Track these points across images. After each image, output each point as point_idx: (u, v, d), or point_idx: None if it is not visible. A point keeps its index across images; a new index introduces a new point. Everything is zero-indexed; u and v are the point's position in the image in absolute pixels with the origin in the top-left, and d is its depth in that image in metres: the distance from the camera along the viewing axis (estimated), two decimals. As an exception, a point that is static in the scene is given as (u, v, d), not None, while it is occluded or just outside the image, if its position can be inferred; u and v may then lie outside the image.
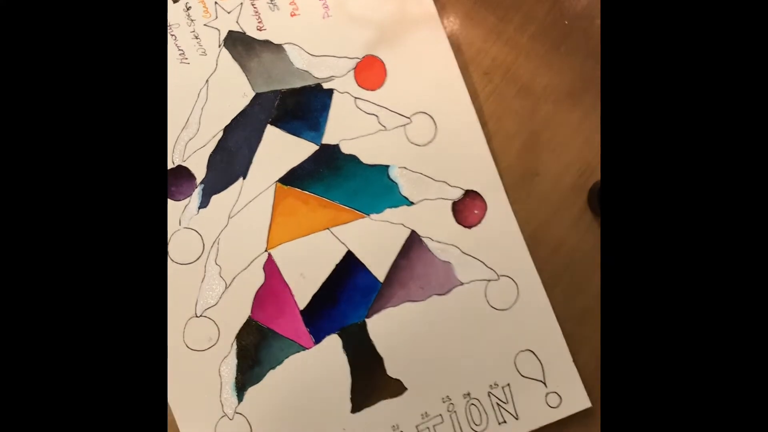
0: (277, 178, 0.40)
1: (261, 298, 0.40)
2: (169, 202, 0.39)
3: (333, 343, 0.40)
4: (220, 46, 0.40)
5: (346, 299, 0.40)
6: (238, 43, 0.40)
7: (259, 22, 0.40)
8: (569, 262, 0.41)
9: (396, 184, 0.40)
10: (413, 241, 0.40)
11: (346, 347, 0.40)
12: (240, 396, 0.40)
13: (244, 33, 0.40)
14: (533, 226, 0.41)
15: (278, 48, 0.40)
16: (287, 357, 0.40)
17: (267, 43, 0.40)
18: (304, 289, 0.40)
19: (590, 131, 0.41)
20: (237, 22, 0.40)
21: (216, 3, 0.40)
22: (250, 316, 0.40)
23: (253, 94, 0.40)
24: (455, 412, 0.40)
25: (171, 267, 0.39)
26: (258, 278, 0.40)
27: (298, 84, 0.40)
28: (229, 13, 0.40)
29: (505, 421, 0.40)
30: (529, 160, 0.41)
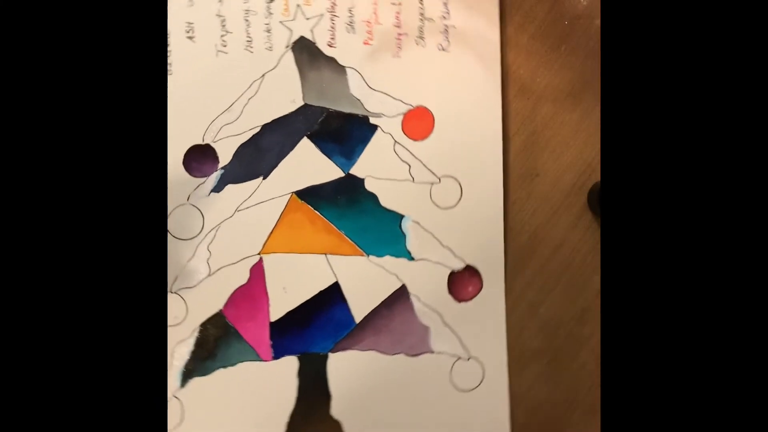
0: (294, 190, 0.40)
1: (238, 296, 0.40)
2: (185, 176, 0.39)
3: (290, 364, 0.40)
4: (287, 47, 0.40)
5: (317, 327, 0.40)
6: (305, 51, 0.40)
7: (331, 38, 0.40)
8: (569, 262, 0.41)
9: (405, 235, 0.40)
10: (401, 295, 0.40)
11: (301, 373, 0.40)
12: (183, 382, 0.39)
13: (314, 44, 0.40)
14: (533, 226, 0.41)
15: (341, 69, 0.40)
16: (242, 361, 0.40)
17: (332, 61, 0.40)
18: (281, 302, 0.40)
19: (590, 131, 0.41)
20: (311, 30, 0.40)
21: (299, 6, 0.40)
22: (221, 310, 0.40)
23: (302, 103, 0.40)
24: (382, 472, 0.40)
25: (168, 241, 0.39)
26: (242, 277, 0.40)
27: (347, 109, 0.40)
28: (307, 19, 0.40)
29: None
30: (529, 160, 0.41)
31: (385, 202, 0.40)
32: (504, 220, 0.41)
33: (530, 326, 0.41)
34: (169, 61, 0.40)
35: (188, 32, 0.40)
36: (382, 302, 0.40)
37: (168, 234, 0.39)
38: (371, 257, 0.40)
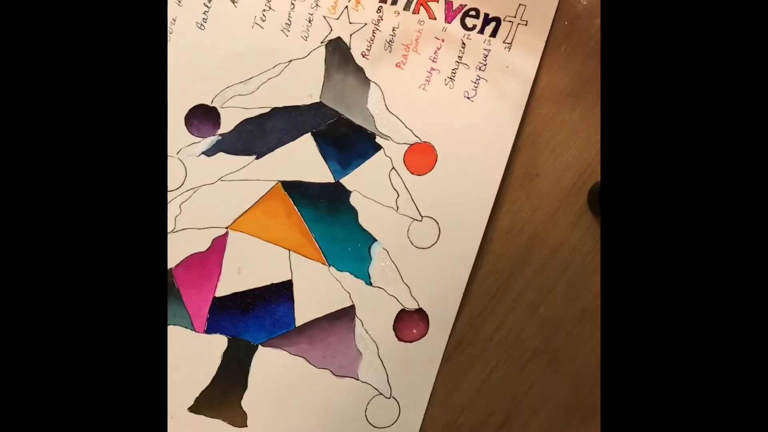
0: (282, 179, 0.40)
1: (191, 262, 0.40)
2: (183, 130, 0.39)
3: (218, 342, 0.40)
4: (322, 42, 0.40)
5: (257, 316, 0.40)
6: (337, 52, 0.40)
7: (367, 50, 0.40)
8: (569, 262, 0.41)
9: (371, 259, 0.40)
10: (347, 314, 0.40)
11: (226, 355, 0.40)
12: (111, 325, 0.39)
13: (349, 48, 0.40)
14: (533, 226, 0.41)
15: (365, 81, 0.40)
16: (173, 324, 0.39)
17: (359, 71, 0.40)
18: (231, 281, 0.40)
19: (590, 131, 0.41)
20: (350, 35, 0.40)
21: (347, 7, 0.40)
22: (171, 269, 0.39)
23: (317, 100, 0.40)
24: (269, 476, 0.39)
25: (142, 181, 0.39)
26: (203, 245, 0.40)
27: (358, 120, 0.40)
28: (350, 23, 0.40)
29: None
30: (529, 160, 0.41)
31: (363, 220, 0.40)
32: (503, 221, 0.41)
33: (530, 326, 0.41)
34: (204, 17, 0.40)
35: (234, -5, 0.40)
36: (327, 315, 0.40)
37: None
38: (332, 268, 0.40)
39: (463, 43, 0.40)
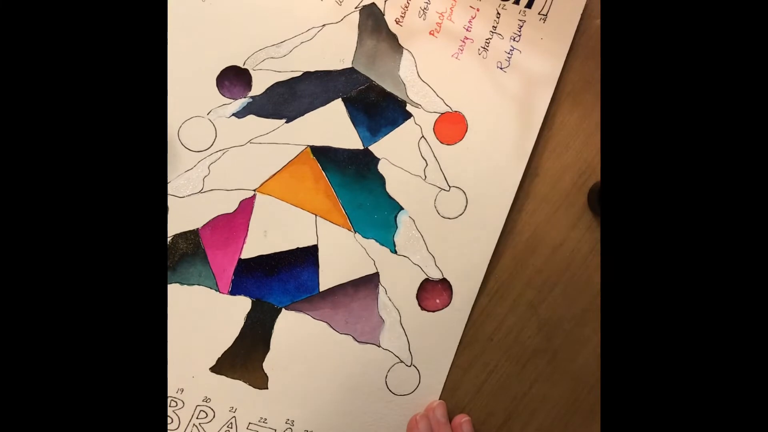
0: (311, 144, 0.40)
1: (218, 222, 0.40)
2: (215, 91, 0.39)
3: (242, 304, 0.40)
4: (356, 8, 0.40)
5: (281, 279, 0.40)
6: (371, 18, 0.40)
7: (401, 16, 0.40)
8: (569, 262, 0.41)
9: (396, 227, 0.40)
10: (371, 281, 0.40)
11: (249, 317, 0.40)
12: (137, 282, 0.39)
13: (383, 15, 0.40)
14: (533, 226, 0.41)
15: (398, 48, 0.40)
16: (198, 284, 0.40)
17: (393, 37, 0.40)
18: (257, 244, 0.40)
19: (590, 131, 0.41)
20: (385, 2, 0.40)
21: (382, -27, 0.40)
22: (198, 229, 0.40)
23: (349, 66, 0.40)
24: (288, 438, 0.40)
25: (171, 142, 0.39)
26: (230, 206, 0.40)
27: (389, 88, 0.40)
28: (385, -10, 0.40)
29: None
30: (529, 160, 0.41)
31: (390, 188, 0.40)
32: (503, 224, 0.41)
33: (530, 326, 0.41)
34: (241, -23, 0.39)
35: (270, -43, 0.40)
36: (351, 281, 0.40)
37: (179, 142, 0.39)
38: (357, 235, 0.40)
39: (498, 14, 0.40)
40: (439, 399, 0.41)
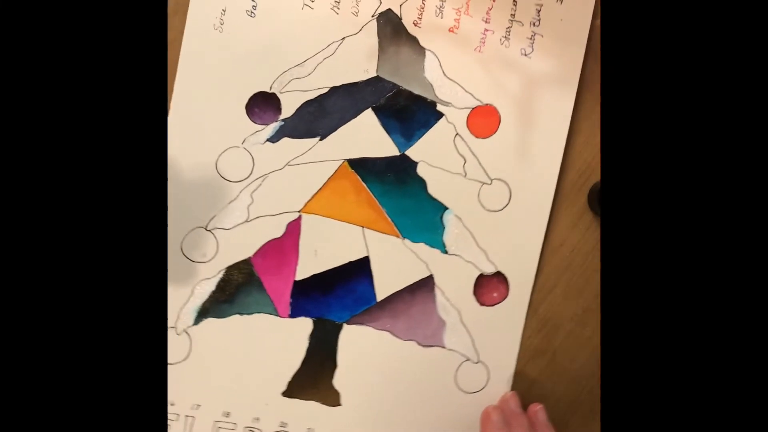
0: (347, 157, 0.40)
1: (269, 248, 0.40)
2: (246, 119, 0.39)
3: (304, 325, 0.40)
4: (373, 16, 0.40)
5: (338, 295, 0.40)
6: (389, 24, 0.40)
7: (418, 18, 0.40)
8: (569, 262, 0.41)
9: (444, 227, 0.40)
10: (426, 284, 0.41)
11: (313, 336, 0.40)
12: (197, 320, 0.40)
13: (401, 19, 0.40)
14: None
15: (420, 50, 0.40)
16: (258, 312, 0.40)
17: (413, 40, 0.40)
18: (310, 263, 0.40)
19: (590, 131, 0.41)
20: (400, 6, 0.40)
21: (393, -22, 0.40)
22: (250, 258, 0.40)
23: (374, 74, 0.40)
24: (369, 450, 0.40)
25: (211, 176, 0.39)
26: (278, 230, 0.40)
27: (417, 90, 0.40)
28: (399, -6, 0.40)
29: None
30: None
31: (432, 190, 0.40)
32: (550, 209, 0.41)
33: (530, 326, 0.41)
34: (254, 3, 0.39)
35: (280, -21, 0.40)
36: (407, 287, 0.40)
37: (217, 173, 0.39)
38: (406, 240, 0.40)
39: (515, 1, 0.40)
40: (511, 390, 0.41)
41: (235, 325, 0.40)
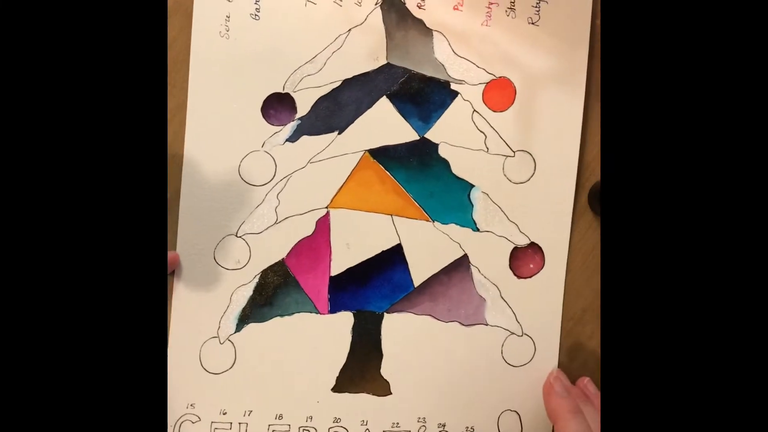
0: (368, 148, 0.40)
1: (301, 247, 0.40)
2: (262, 122, 0.40)
3: (345, 319, 0.40)
4: (377, 4, 0.40)
5: (375, 286, 0.40)
6: (393, 10, 0.40)
7: (421, 0, 0.40)
8: (569, 262, 0.41)
9: (472, 205, 0.40)
10: (461, 264, 0.40)
11: (355, 329, 0.40)
12: (239, 326, 0.40)
13: (404, 4, 0.40)
14: None
15: (427, 31, 0.40)
16: (298, 312, 0.40)
17: (419, 23, 0.40)
18: (343, 257, 0.40)
19: (590, 131, 0.41)
20: (402, -10, 0.40)
21: (391, -36, 0.40)
22: (283, 259, 0.40)
23: (384, 62, 0.40)
24: (425, 435, 0.40)
25: (235, 182, 0.39)
26: (307, 229, 0.40)
27: (429, 72, 0.40)
28: (399, -22, 0.40)
29: (465, 466, 0.40)
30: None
31: (456, 169, 0.40)
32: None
33: None
34: (257, 6, 0.39)
35: (279, -21, 0.40)
36: (442, 269, 0.40)
37: (241, 179, 0.39)
38: (436, 223, 0.40)
39: (516, -30, 0.40)
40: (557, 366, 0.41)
41: (277, 327, 0.40)
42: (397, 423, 0.40)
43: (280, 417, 0.40)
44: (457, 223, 0.40)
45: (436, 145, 0.40)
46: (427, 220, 0.40)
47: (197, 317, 0.39)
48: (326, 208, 0.40)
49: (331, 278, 0.40)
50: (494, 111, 0.40)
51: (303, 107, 0.40)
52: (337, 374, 0.40)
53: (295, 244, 0.40)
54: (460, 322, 0.40)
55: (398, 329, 0.40)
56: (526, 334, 0.41)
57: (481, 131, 0.40)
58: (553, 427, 0.39)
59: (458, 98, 0.40)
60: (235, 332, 0.40)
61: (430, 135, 0.40)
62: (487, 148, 0.40)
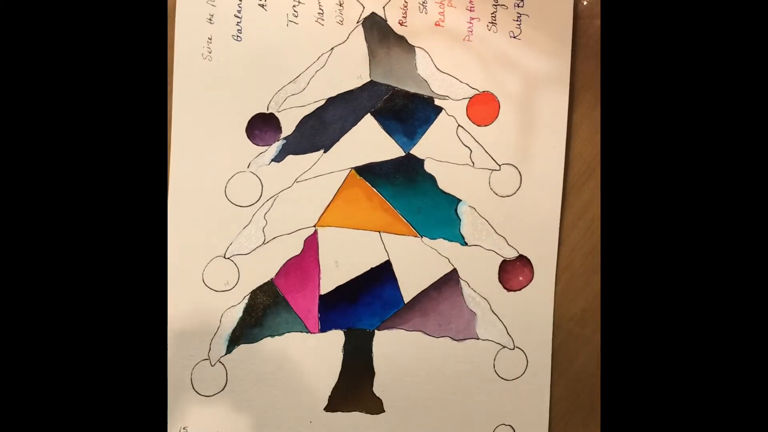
0: (354, 165, 0.40)
1: (290, 267, 0.40)
2: (247, 143, 0.40)
3: (336, 338, 0.40)
4: (358, 22, 0.40)
5: (365, 303, 0.40)
6: (375, 28, 0.40)
7: (403, 17, 0.40)
8: (569, 262, 0.41)
9: (459, 220, 0.40)
10: (450, 279, 0.40)
11: (346, 347, 0.40)
12: (230, 348, 0.40)
13: (386, 21, 0.40)
14: None
15: (410, 48, 0.40)
16: (289, 332, 0.40)
17: (401, 39, 0.40)
18: (332, 276, 0.40)
19: (590, 131, 0.41)
20: (383, 7, 0.40)
21: (372, -18, 0.40)
22: (272, 279, 0.40)
23: (368, 79, 0.40)
24: (419, 452, 0.40)
25: (221, 204, 0.39)
26: (296, 248, 0.40)
27: (412, 89, 0.40)
28: (380, -4, 0.40)
29: (460, 482, 0.40)
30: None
31: (443, 184, 0.40)
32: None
33: None
34: (238, 27, 0.40)
35: (260, 0, 0.40)
36: (432, 284, 0.40)
37: (226, 200, 0.39)
38: (424, 239, 0.40)
39: (495, -15, 0.40)
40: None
41: (267, 348, 0.40)
42: (391, 440, 0.40)
43: (274, 438, 0.40)
44: (445, 238, 0.40)
45: (421, 161, 0.40)
46: (415, 236, 0.40)
47: (188, 340, 0.39)
48: (314, 226, 0.40)
49: (321, 297, 0.40)
50: (479, 125, 0.40)
51: (288, 127, 0.40)
52: (329, 393, 0.40)
53: (284, 264, 0.40)
54: (451, 337, 0.40)
55: (389, 346, 0.40)
56: (517, 347, 0.41)
57: (466, 146, 0.40)
58: (547, 439, 0.39)
59: (442, 114, 0.40)
60: (225, 354, 0.40)
61: (415, 151, 0.40)
62: (473, 163, 0.40)
